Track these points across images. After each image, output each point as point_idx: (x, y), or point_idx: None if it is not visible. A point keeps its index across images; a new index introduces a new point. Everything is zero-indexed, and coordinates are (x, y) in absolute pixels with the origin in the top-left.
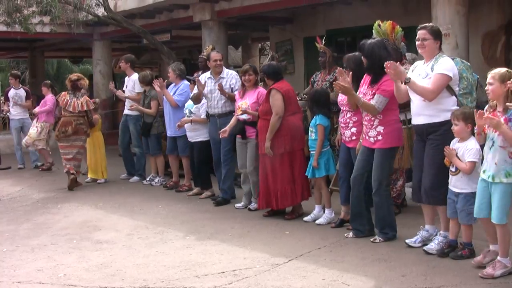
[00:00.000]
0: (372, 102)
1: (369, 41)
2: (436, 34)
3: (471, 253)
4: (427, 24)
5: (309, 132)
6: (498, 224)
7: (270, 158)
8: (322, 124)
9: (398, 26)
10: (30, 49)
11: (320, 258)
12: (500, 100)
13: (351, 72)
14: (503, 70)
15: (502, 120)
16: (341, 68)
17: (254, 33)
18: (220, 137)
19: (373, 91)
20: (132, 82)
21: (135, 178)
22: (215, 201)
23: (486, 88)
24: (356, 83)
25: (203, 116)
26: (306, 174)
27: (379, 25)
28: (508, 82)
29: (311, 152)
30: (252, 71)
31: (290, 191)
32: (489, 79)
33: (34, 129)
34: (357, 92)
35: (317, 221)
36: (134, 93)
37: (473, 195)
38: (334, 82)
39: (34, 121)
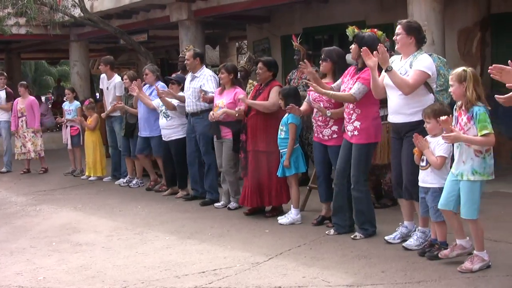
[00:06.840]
0: (352, 90)
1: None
2: (409, 30)
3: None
4: (403, 20)
5: (279, 130)
6: (468, 220)
7: (259, 156)
8: (294, 123)
9: (378, 31)
10: (6, 50)
11: (300, 256)
12: (462, 100)
13: (331, 64)
14: (459, 70)
15: (465, 118)
16: (304, 62)
17: (231, 32)
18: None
19: (354, 80)
20: (114, 85)
21: (121, 180)
22: (202, 202)
23: (449, 90)
24: (338, 75)
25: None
26: (277, 173)
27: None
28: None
29: (281, 150)
30: (225, 69)
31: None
32: (449, 80)
33: (37, 138)
34: (341, 83)
35: (279, 220)
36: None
37: (440, 191)
38: (303, 69)
39: (25, 129)
